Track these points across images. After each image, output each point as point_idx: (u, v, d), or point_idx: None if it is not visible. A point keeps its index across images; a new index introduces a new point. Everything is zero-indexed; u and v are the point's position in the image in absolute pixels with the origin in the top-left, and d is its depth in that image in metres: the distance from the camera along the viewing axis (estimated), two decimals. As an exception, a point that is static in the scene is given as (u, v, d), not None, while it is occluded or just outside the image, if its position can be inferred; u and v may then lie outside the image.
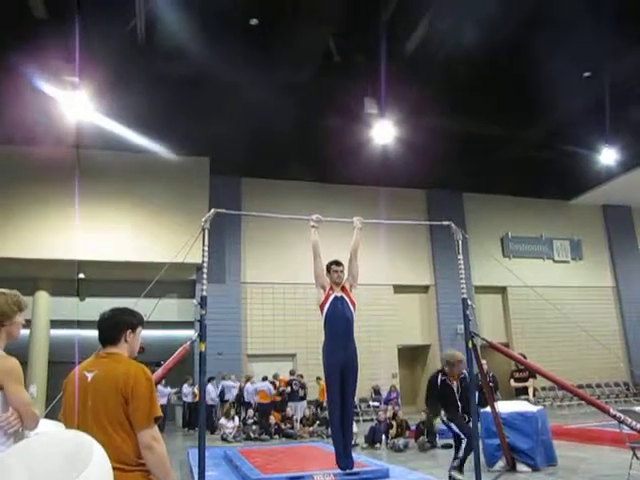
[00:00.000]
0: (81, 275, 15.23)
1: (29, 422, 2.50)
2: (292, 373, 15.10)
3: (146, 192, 15.51)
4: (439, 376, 6.59)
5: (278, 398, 14.39)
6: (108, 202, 15.20)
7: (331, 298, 5.47)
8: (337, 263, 5.68)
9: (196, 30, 10.39)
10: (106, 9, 10.02)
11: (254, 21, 11.13)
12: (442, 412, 6.36)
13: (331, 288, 5.53)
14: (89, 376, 2.51)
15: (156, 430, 2.42)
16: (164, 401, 14.47)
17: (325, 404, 14.44)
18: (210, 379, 14.54)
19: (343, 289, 5.57)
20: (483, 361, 10.02)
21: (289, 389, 14.32)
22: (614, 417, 4.73)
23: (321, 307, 5.51)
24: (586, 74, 12.68)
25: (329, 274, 5.60)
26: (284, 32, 11.14)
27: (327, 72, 12.32)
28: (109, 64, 11.26)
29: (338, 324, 5.40)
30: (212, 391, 14.70)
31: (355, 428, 12.16)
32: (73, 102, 11.74)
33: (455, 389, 6.47)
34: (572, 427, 11.09)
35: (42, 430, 2.58)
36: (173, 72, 11.87)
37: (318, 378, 15.19)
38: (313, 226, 5.71)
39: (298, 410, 13.96)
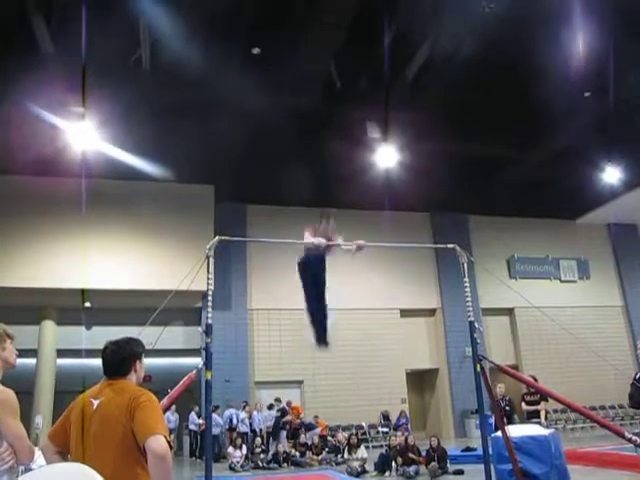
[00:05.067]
0: (87, 304, 15.23)
1: (24, 457, 2.45)
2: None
3: (151, 220, 15.58)
4: None
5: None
6: (114, 230, 15.26)
7: None
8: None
9: (200, 59, 10.56)
10: (111, 40, 10.23)
11: (256, 50, 11.31)
12: None
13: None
14: (95, 403, 2.48)
15: (165, 441, 2.29)
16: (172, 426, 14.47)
17: (327, 433, 14.40)
18: (215, 408, 14.37)
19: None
20: (501, 385, 9.93)
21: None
22: (629, 441, 4.62)
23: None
24: (586, 94, 12.74)
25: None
26: (286, 60, 11.30)
27: (329, 97, 12.45)
28: (114, 94, 11.44)
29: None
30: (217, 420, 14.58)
31: (365, 454, 12.05)
32: (79, 132, 11.92)
33: None
34: (587, 451, 10.85)
35: (42, 463, 2.54)
36: (177, 100, 12.03)
37: (316, 417, 15.09)
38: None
39: (309, 437, 13.79)
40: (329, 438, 13.94)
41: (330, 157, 14.14)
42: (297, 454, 13.16)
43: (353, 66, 12.01)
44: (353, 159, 14.37)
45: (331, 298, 18.34)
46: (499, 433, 7.02)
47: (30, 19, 9.87)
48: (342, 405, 16.47)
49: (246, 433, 14.10)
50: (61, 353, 15.75)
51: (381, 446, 14.11)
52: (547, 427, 8.86)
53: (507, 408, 9.60)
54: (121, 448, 2.35)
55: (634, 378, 6.24)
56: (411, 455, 10.58)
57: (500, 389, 9.84)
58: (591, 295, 20.35)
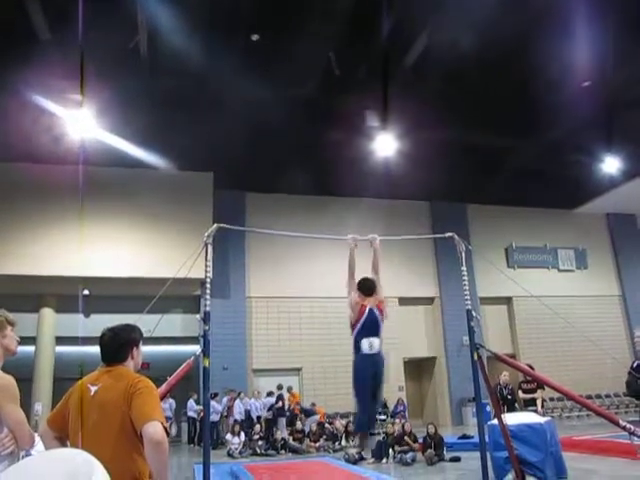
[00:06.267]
0: (86, 291, 15.25)
1: (24, 442, 2.47)
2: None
3: (150, 208, 15.56)
4: None
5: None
6: (113, 218, 15.26)
7: (366, 310, 5.18)
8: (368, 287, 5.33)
9: (198, 46, 10.49)
10: (109, 27, 10.15)
11: (255, 37, 11.24)
12: None
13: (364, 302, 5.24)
14: (92, 389, 2.49)
15: (161, 427, 2.31)
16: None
17: (325, 420, 14.46)
18: (214, 395, 14.39)
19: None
20: (505, 372, 9.97)
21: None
22: (624, 428, 4.67)
23: (356, 322, 5.21)
24: (585, 84, 12.69)
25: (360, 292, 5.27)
26: (285, 47, 11.24)
27: (328, 86, 12.40)
28: (112, 81, 11.39)
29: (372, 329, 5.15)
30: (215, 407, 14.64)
31: (362, 442, 12.13)
32: (77, 119, 11.87)
33: None
34: (582, 438, 10.97)
35: (42, 449, 2.55)
36: (176, 88, 11.97)
37: (313, 404, 15.15)
38: (351, 246, 5.46)
39: (307, 424, 13.88)
40: (327, 425, 14.02)
41: (329, 145, 14.11)
42: (294, 441, 13.24)
43: (352, 54, 11.94)
44: (352, 147, 14.35)
45: (331, 285, 18.45)
46: (495, 421, 7.08)
47: (27, 6, 9.79)
48: (340, 392, 16.52)
49: (238, 420, 14.13)
50: (60, 340, 15.79)
51: (378, 433, 14.20)
52: (543, 415, 8.93)
53: (509, 397, 9.64)
54: (119, 434, 2.37)
55: (631, 367, 6.29)
56: (408, 442, 10.66)
57: (505, 377, 9.86)
58: (589, 284, 20.43)
